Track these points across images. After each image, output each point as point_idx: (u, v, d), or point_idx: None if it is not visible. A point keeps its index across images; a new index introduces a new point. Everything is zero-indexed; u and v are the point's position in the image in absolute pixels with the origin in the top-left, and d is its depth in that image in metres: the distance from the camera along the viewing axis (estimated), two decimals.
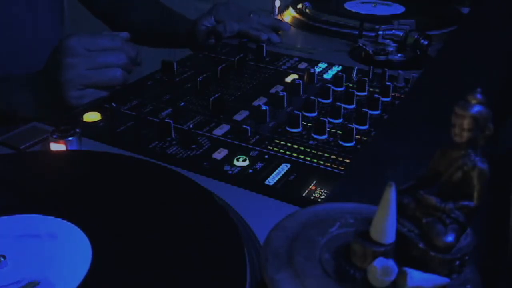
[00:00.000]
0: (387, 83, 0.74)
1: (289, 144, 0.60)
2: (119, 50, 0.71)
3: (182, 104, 0.69)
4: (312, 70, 0.78)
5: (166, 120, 0.61)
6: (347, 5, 1.12)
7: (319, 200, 0.51)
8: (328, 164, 0.57)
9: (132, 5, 1.08)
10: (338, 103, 0.67)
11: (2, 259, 0.38)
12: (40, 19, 0.88)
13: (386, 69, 0.79)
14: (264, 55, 0.87)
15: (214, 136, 0.62)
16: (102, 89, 0.70)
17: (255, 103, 0.70)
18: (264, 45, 0.88)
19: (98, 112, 0.65)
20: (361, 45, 0.87)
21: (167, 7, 1.10)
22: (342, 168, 0.56)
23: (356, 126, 0.63)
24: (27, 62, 0.74)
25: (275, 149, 0.59)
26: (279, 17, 1.10)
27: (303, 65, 0.84)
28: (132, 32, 0.75)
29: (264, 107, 0.66)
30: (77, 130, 0.56)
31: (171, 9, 1.10)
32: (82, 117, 0.64)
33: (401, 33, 0.86)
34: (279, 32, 0.99)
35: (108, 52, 0.70)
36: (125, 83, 0.72)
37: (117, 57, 0.70)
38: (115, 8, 1.07)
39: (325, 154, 0.58)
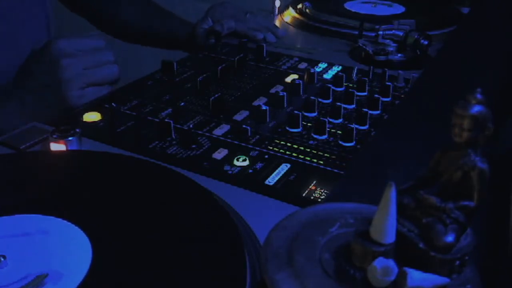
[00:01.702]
0: (387, 83, 0.74)
1: (289, 144, 0.60)
2: (107, 49, 0.71)
3: (182, 104, 0.69)
4: (312, 70, 0.78)
5: (166, 120, 0.61)
6: (347, 5, 1.12)
7: (319, 200, 0.51)
8: (328, 164, 0.57)
9: (117, 2, 1.07)
10: (338, 103, 0.67)
11: (2, 259, 0.38)
12: (23, 28, 0.87)
13: (386, 69, 0.79)
14: (264, 55, 0.87)
15: (214, 136, 0.62)
16: (102, 86, 0.70)
17: (255, 103, 0.70)
18: (264, 45, 0.88)
19: (98, 112, 0.65)
20: (361, 45, 0.87)
21: (162, 8, 1.10)
22: (342, 168, 0.56)
23: (356, 126, 0.63)
24: (9, 71, 0.73)
25: (275, 149, 0.59)
26: (279, 17, 1.10)
27: (303, 65, 0.84)
28: (120, 29, 0.74)
29: (264, 107, 0.66)
30: (77, 130, 0.56)
31: (168, 11, 1.10)
32: (82, 117, 0.64)
33: (401, 33, 0.86)
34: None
35: (98, 52, 0.71)
36: (118, 81, 0.73)
37: (107, 55, 0.71)
38: (99, 5, 1.06)
39: (325, 154, 0.58)
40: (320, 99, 0.70)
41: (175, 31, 1.04)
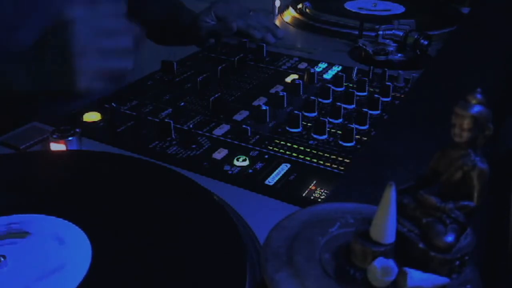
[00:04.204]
0: (387, 83, 0.74)
1: (289, 144, 0.60)
2: (126, 33, 0.66)
3: (182, 104, 0.69)
4: (312, 70, 0.78)
5: (166, 120, 0.61)
6: (347, 5, 1.12)
7: (319, 200, 0.51)
8: (328, 164, 0.57)
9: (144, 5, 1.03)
10: (338, 103, 0.67)
11: (2, 259, 0.38)
12: None
13: (386, 69, 0.79)
14: (264, 55, 0.87)
15: (214, 136, 0.62)
16: (112, 76, 0.66)
17: (255, 103, 0.70)
18: (264, 45, 0.88)
19: (98, 112, 0.65)
20: (361, 45, 0.87)
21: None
22: (342, 168, 0.56)
23: (356, 126, 0.63)
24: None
25: (275, 149, 0.59)
26: (279, 17, 1.10)
27: (303, 65, 0.84)
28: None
29: (264, 107, 0.66)
30: (77, 130, 0.56)
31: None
32: (82, 117, 0.64)
33: (401, 33, 0.86)
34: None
35: (117, 37, 0.65)
36: (132, 71, 0.69)
37: (126, 40, 0.65)
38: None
39: (325, 154, 0.58)
40: (320, 99, 0.70)
41: (180, 19, 1.01)
